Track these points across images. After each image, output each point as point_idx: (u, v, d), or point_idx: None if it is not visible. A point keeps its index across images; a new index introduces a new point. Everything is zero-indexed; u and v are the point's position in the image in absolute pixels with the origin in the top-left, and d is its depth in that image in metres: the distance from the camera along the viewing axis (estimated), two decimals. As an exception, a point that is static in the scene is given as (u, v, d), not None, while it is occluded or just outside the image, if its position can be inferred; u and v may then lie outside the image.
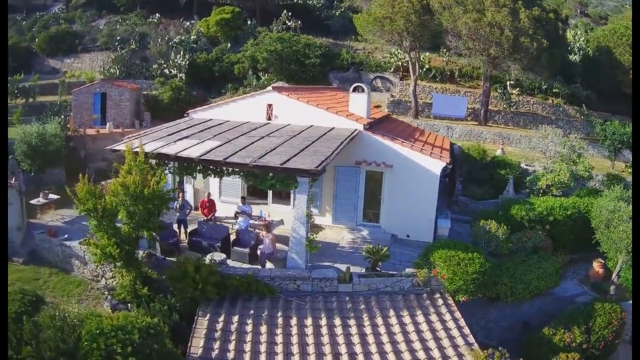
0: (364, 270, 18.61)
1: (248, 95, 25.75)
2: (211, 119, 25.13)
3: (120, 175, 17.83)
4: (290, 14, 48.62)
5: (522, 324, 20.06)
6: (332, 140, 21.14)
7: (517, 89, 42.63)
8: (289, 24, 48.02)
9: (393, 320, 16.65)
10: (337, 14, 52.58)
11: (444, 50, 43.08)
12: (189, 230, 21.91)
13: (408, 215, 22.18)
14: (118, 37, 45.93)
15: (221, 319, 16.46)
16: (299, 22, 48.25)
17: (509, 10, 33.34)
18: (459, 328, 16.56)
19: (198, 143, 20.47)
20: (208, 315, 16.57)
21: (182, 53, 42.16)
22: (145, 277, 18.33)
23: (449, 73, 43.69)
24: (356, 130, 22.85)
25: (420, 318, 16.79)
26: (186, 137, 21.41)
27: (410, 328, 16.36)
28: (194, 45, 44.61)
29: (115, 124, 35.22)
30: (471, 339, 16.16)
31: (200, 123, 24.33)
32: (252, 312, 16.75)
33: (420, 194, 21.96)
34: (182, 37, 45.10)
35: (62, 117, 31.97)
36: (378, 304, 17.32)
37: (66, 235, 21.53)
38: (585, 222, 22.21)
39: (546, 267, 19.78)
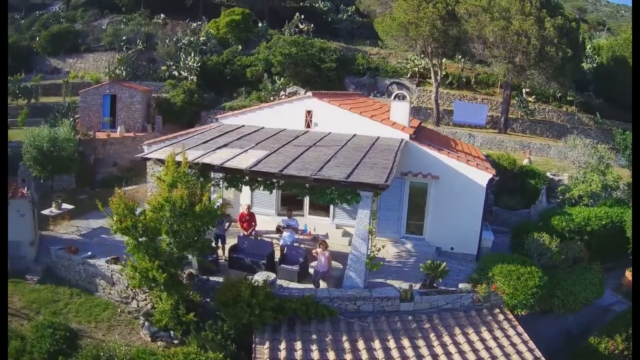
0: (418, 287, 17.08)
1: (285, 100, 23.43)
2: (243, 125, 22.70)
3: (161, 188, 15.28)
4: (302, 17, 46.22)
5: (566, 334, 19.16)
6: (384, 152, 19.10)
7: (533, 96, 41.04)
8: (302, 27, 45.68)
9: (460, 338, 15.37)
10: (344, 17, 50.35)
11: (460, 56, 41.23)
12: (227, 246, 19.42)
13: (453, 228, 20.74)
14: (124, 37, 43.06)
15: (282, 346, 14.36)
16: (312, 25, 45.90)
17: (535, 18, 31.88)
18: (525, 342, 15.52)
19: (242, 152, 18.06)
20: (267, 343, 14.43)
21: (192, 55, 39.53)
22: (187, 300, 15.87)
23: (465, 80, 41.84)
24: (403, 140, 21.13)
25: (486, 335, 15.66)
26: (225, 146, 18.96)
27: (479, 346, 15.18)
28: (204, 47, 42.00)
29: (126, 128, 32.58)
30: (537, 353, 15.13)
31: (234, 130, 21.87)
32: (314, 336, 14.79)
33: (466, 206, 20.54)
34: (191, 39, 42.41)
35: (71, 119, 29.12)
36: (442, 322, 15.96)
37: (89, 253, 18.77)
38: (617, 232, 21.68)
39: (591, 278, 18.83)
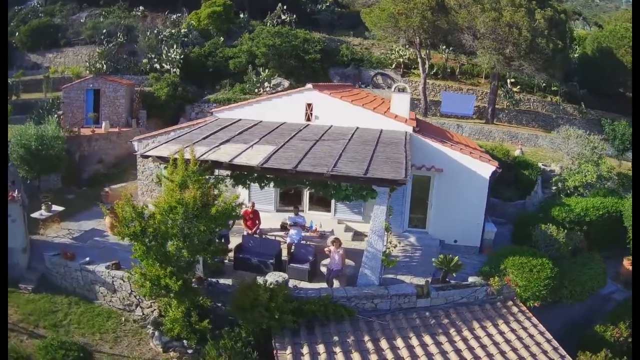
0: (429, 281, 16.64)
1: (284, 93, 22.40)
2: (240, 119, 21.63)
3: (169, 188, 14.19)
4: (285, 7, 45.01)
5: (570, 324, 18.97)
6: (393, 145, 18.37)
7: (518, 87, 40.70)
8: (284, 17, 44.43)
9: (479, 332, 15.11)
10: (322, 8, 49.29)
11: (444, 47, 40.61)
12: (231, 245, 18.41)
13: (456, 221, 20.40)
14: (104, 31, 41.20)
15: (305, 350, 13.60)
16: (294, 16, 44.72)
17: (526, 10, 31.49)
18: (541, 333, 15.47)
19: (247, 148, 17.03)
20: (289, 348, 13.61)
21: (175, 47, 38.03)
22: (197, 306, 14.81)
23: (449, 70, 41.26)
24: (407, 132, 20.51)
25: (504, 327, 15.46)
26: (227, 141, 17.89)
27: (498, 339, 14.95)
28: (185, 39, 40.45)
29: (110, 123, 31.13)
30: (555, 343, 15.10)
31: (232, 124, 20.79)
32: (335, 338, 14.05)
33: (469, 199, 20.19)
34: (172, 31, 40.83)
35: (55, 116, 27.57)
36: (459, 316, 15.63)
37: (87, 259, 17.48)
38: (614, 221, 21.60)
39: (595, 268, 18.82)
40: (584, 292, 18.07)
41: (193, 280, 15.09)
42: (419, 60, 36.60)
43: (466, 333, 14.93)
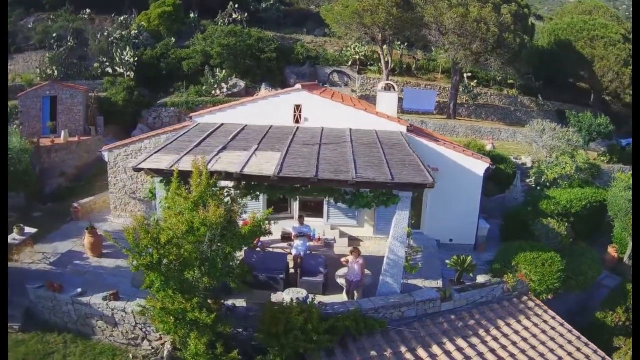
0: (439, 283, 16.58)
1: (270, 94, 20.86)
2: (222, 124, 19.94)
3: (183, 207, 12.41)
4: (236, 5, 43.08)
5: (568, 313, 18.82)
6: (397, 147, 17.51)
7: (474, 80, 40.58)
8: (235, 16, 42.49)
9: (506, 329, 15.11)
10: (266, 6, 47.70)
11: (399, 43, 39.93)
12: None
13: (451, 219, 19.99)
14: (54, 35, 37.99)
15: (344, 370, 12.62)
16: (245, 14, 42.88)
17: (492, 5, 31.27)
18: (561, 324, 15.82)
19: (251, 155, 15.43)
20: (327, 371, 12.56)
21: (127, 49, 35.48)
22: (220, 334, 13.02)
23: (405, 66, 40.62)
24: (401, 132, 19.70)
25: (526, 322, 15.56)
26: (224, 149, 16.22)
27: (525, 334, 15.06)
28: (136, 41, 37.86)
29: (69, 132, 28.48)
30: (576, 332, 15.49)
31: (216, 129, 19.06)
32: (372, 353, 13.30)
33: (464, 197, 19.84)
34: (122, 33, 38.16)
35: (15, 126, 24.69)
36: (483, 316, 15.55)
37: (79, 290, 15.34)
38: (595, 211, 22.31)
39: (593, 257, 19.22)
40: (587, 281, 18.30)
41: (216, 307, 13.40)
42: (381, 56, 35.76)
43: (494, 332, 14.81)
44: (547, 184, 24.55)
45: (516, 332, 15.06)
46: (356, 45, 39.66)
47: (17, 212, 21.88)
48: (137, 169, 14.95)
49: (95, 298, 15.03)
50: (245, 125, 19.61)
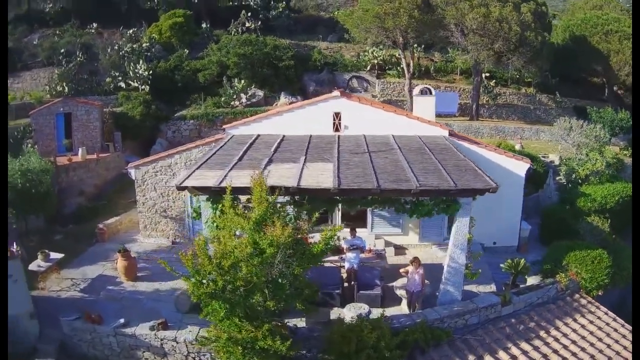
0: (493, 287, 16.46)
1: (307, 102, 19.95)
2: (259, 135, 19.04)
3: (244, 227, 11.38)
4: (249, 14, 42.21)
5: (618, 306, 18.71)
6: (446, 152, 17.00)
7: (493, 80, 39.82)
8: (248, 25, 41.61)
9: (565, 329, 14.96)
10: (276, 14, 46.88)
11: (416, 45, 39.13)
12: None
13: (494, 222, 19.07)
14: (62, 50, 36.97)
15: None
16: (259, 23, 42.00)
17: (513, 4, 30.77)
18: (615, 320, 15.80)
19: (302, 168, 14.54)
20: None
21: (141, 62, 34.54)
22: (283, 358, 12.10)
23: (424, 69, 39.79)
24: (444, 137, 19.22)
25: (583, 320, 15.51)
26: (271, 162, 15.31)
27: (583, 332, 14.98)
28: (148, 54, 36.92)
29: (86, 149, 27.46)
30: (628, 326, 15.36)
31: (254, 141, 18.13)
32: None
33: (506, 198, 18.87)
34: (134, 46, 37.22)
35: (29, 145, 23.65)
36: (541, 317, 15.37)
37: (121, 320, 14.23)
38: (627, 206, 21.50)
39: (628, 252, 18.34)
40: (630, 276, 17.61)
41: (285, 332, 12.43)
42: (402, 60, 34.94)
43: (554, 332, 14.71)
44: (579, 180, 24.19)
45: (574, 330, 14.96)
46: (374, 50, 38.81)
47: (38, 235, 20.84)
48: (180, 188, 13.97)
49: (142, 328, 13.92)
50: (284, 136, 18.73)
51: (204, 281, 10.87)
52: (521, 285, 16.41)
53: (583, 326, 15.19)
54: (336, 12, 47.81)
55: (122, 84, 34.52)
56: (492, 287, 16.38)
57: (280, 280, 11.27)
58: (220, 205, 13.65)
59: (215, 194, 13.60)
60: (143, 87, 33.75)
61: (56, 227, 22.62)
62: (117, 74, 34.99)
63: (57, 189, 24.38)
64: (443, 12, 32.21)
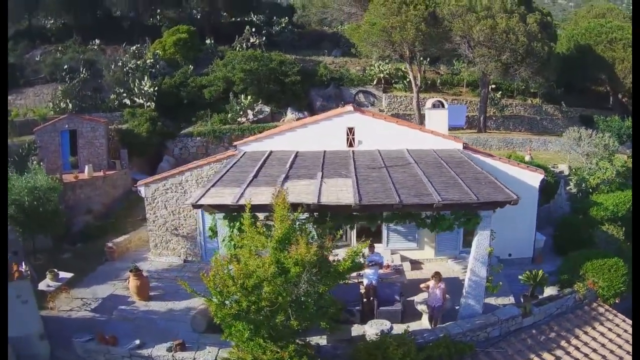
0: (511, 299, 16.37)
1: (320, 118, 19.70)
2: (271, 151, 18.75)
3: (268, 246, 11.10)
4: (254, 30, 42.18)
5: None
6: (463, 165, 16.81)
7: (499, 92, 39.74)
8: (253, 40, 41.55)
9: (585, 338, 15.00)
10: (279, 29, 46.92)
11: (421, 59, 39.11)
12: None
13: (509, 234, 18.60)
14: (65, 67, 36.78)
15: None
16: (264, 38, 41.96)
17: (519, 15, 30.82)
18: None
19: (320, 184, 14.29)
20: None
21: (146, 79, 34.38)
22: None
23: (429, 82, 39.71)
24: (459, 150, 19.09)
25: (602, 328, 15.53)
26: (287, 178, 15.04)
27: (602, 340, 15.00)
28: (152, 70, 36.72)
29: (92, 167, 27.17)
30: None
31: (267, 157, 17.88)
32: None
33: (521, 210, 18.46)
34: (138, 62, 37.08)
35: (34, 162, 23.23)
36: (561, 327, 15.39)
37: (137, 342, 13.89)
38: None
39: None
40: None
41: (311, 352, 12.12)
42: (410, 74, 34.84)
43: (575, 342, 14.74)
44: (590, 190, 24.28)
45: (594, 339, 14.99)
46: (380, 64, 38.70)
47: (45, 254, 20.49)
48: (196, 206, 13.68)
49: (158, 349, 13.59)
50: (297, 152, 18.48)
51: (227, 302, 10.53)
52: (540, 296, 16.34)
53: (602, 334, 15.21)
54: (339, 27, 47.91)
55: (127, 101, 34.28)
56: (510, 299, 16.31)
57: (305, 299, 10.93)
58: (237, 224, 13.50)
59: (232, 211, 13.36)
60: (148, 103, 33.52)
61: (64, 246, 22.24)
62: (122, 90, 34.78)
63: (64, 207, 24.02)
64: (450, 24, 32.17)
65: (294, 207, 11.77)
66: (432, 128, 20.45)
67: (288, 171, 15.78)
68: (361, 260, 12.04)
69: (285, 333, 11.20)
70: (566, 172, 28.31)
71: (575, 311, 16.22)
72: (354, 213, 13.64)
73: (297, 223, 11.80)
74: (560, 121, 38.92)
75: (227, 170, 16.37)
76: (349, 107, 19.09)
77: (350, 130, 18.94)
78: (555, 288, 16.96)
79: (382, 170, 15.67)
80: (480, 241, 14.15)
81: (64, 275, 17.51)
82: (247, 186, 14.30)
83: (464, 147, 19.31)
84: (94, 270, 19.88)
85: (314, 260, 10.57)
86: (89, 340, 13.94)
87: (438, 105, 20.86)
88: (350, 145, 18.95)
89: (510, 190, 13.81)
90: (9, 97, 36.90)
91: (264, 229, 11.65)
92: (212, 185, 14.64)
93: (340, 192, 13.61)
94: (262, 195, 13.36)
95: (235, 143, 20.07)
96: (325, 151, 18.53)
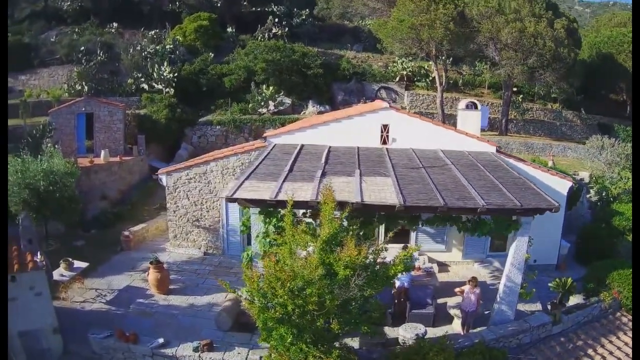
0: (538, 306, 16.05)
1: (355, 113, 19.11)
2: (303, 145, 18.12)
3: (314, 245, 10.43)
4: (277, 20, 41.43)
5: None
6: (500, 169, 16.38)
7: (520, 96, 39.13)
8: (275, 31, 40.82)
9: (610, 347, 14.74)
10: (299, 21, 46.16)
11: (444, 58, 38.47)
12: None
13: (535, 240, 18.43)
14: (82, 49, 36.03)
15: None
16: (287, 29, 41.21)
17: (547, 20, 30.47)
18: None
19: (360, 182, 13.69)
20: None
21: (165, 64, 33.67)
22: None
23: (451, 82, 39.03)
24: (492, 153, 18.61)
25: (626, 338, 15.21)
26: (324, 174, 14.43)
27: (627, 350, 14.64)
28: (172, 56, 36.03)
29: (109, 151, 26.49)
30: None
31: (300, 151, 17.29)
32: None
33: (547, 216, 18.57)
34: (157, 47, 36.37)
35: (49, 145, 22.23)
36: (588, 335, 15.24)
37: (160, 340, 13.05)
38: None
39: None
40: None
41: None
42: (436, 73, 34.21)
43: (601, 350, 14.57)
44: (611, 199, 23.91)
45: (619, 348, 14.74)
46: (404, 61, 38.03)
47: (57, 240, 19.64)
48: (231, 200, 13.09)
49: (184, 349, 12.81)
50: (330, 147, 17.91)
51: (270, 304, 9.91)
52: (567, 304, 16.13)
53: (626, 343, 14.95)
54: (361, 22, 47.15)
55: (145, 86, 33.61)
56: (537, 306, 16.06)
57: (351, 303, 10.33)
58: (274, 220, 12.91)
59: (268, 207, 12.77)
60: (167, 89, 32.84)
61: (77, 232, 21.43)
62: (140, 75, 34.10)
63: (78, 192, 23.28)
64: (478, 25, 31.65)
65: (341, 205, 11.16)
66: (465, 129, 19.89)
67: (324, 167, 15.15)
68: (415, 263, 11.49)
69: (326, 337, 10.59)
70: (586, 180, 27.90)
71: (601, 320, 16.07)
72: (399, 214, 13.03)
73: (347, 224, 11.21)
74: (579, 128, 38.54)
75: (260, 163, 15.76)
76: (384, 104, 18.60)
77: (385, 128, 18.33)
78: (580, 296, 16.84)
79: (420, 171, 15.13)
80: (519, 247, 13.85)
81: (79, 264, 16.73)
82: (284, 181, 13.68)
83: (497, 151, 18.71)
84: (108, 260, 19.17)
85: (364, 263, 9.96)
86: (108, 336, 13.17)
87: (471, 106, 20.29)
88: (384, 142, 18.38)
89: (551, 198, 13.48)
90: (23, 77, 36.30)
91: (307, 227, 11.03)
92: (246, 178, 14.02)
93: (382, 191, 13.02)
94: (302, 191, 12.76)
95: (265, 134, 19.49)
96: (358, 147, 18.01)
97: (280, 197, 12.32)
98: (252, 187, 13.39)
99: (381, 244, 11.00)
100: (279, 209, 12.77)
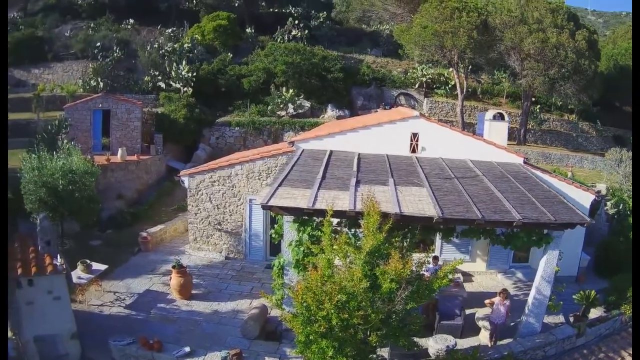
0: (561, 318, 16.04)
1: (385, 121, 18.93)
2: (332, 151, 17.88)
3: (355, 258, 10.22)
4: (297, 22, 41.26)
5: None
6: (528, 181, 16.11)
7: (538, 106, 38.98)
8: (295, 33, 40.63)
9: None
10: (317, 24, 46.00)
11: (463, 67, 38.36)
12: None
13: None
14: (98, 44, 35.89)
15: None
16: (306, 31, 41.04)
17: (569, 31, 30.50)
18: None
19: (396, 192, 13.51)
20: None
21: (184, 63, 33.52)
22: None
23: (470, 90, 38.88)
24: (520, 165, 18.46)
25: None
26: (359, 183, 14.26)
27: None
28: (190, 55, 35.87)
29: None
30: None
31: (330, 157, 17.09)
32: None
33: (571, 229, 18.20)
34: (175, 45, 36.23)
35: (65, 141, 21.50)
36: (609, 348, 14.91)
37: (187, 349, 12.59)
38: None
39: None
40: None
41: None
42: (457, 80, 34.06)
43: None
44: (628, 212, 23.50)
45: None
46: (423, 67, 37.88)
47: (72, 240, 18.89)
48: (266, 207, 12.83)
49: (211, 358, 12.46)
50: (359, 153, 17.75)
51: (314, 318, 9.71)
52: (590, 317, 16.04)
53: None
54: (379, 26, 46.97)
55: (162, 84, 33.43)
56: (560, 318, 16.02)
57: (392, 316, 10.16)
58: (309, 229, 12.74)
59: (304, 215, 12.58)
60: (186, 89, 32.66)
61: (93, 232, 20.93)
62: (157, 73, 33.92)
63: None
64: (501, 34, 31.58)
65: (384, 216, 10.98)
66: (492, 140, 19.78)
67: (357, 174, 14.96)
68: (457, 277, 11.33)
69: (364, 350, 10.41)
70: (604, 192, 27.71)
71: (621, 333, 15.87)
72: (436, 226, 12.91)
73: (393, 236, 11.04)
74: (594, 139, 38.57)
75: (291, 169, 15.51)
76: (415, 112, 18.44)
77: (414, 136, 18.17)
78: (600, 309, 16.76)
79: (453, 181, 14.99)
80: (549, 260, 13.81)
81: (98, 267, 16.00)
82: (319, 188, 13.48)
83: (524, 162, 18.60)
84: (126, 261, 18.81)
85: (410, 276, 9.79)
86: (130, 343, 12.72)
87: (498, 117, 20.10)
88: (413, 150, 18.20)
89: (580, 211, 13.58)
90: (36, 71, 36.05)
91: (349, 238, 10.84)
92: (279, 185, 13.80)
93: (419, 202, 12.85)
94: (338, 200, 12.56)
95: (293, 139, 19.34)
96: (387, 155, 17.82)
97: (317, 205, 12.14)
98: (287, 194, 13.17)
99: (424, 257, 10.83)
100: (314, 218, 12.59)
